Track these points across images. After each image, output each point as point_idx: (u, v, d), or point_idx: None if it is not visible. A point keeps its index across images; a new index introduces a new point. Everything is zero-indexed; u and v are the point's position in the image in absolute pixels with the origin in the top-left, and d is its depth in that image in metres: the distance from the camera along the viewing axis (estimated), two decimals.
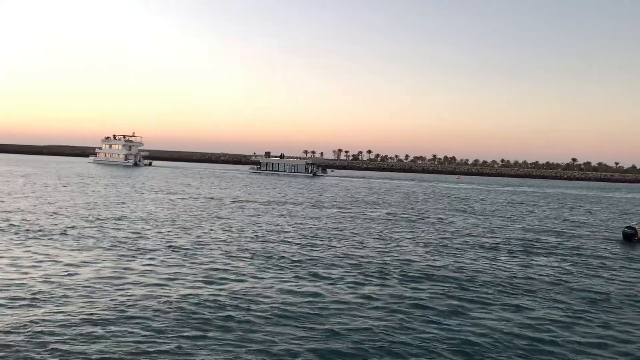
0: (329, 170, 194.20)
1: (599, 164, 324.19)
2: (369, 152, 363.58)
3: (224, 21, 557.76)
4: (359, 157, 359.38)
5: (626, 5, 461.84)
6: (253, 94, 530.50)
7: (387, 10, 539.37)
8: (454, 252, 28.60)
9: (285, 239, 30.18)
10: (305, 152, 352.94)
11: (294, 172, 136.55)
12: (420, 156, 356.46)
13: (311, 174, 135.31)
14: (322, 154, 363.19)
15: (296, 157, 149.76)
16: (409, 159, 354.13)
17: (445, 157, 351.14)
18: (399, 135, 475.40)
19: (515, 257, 27.58)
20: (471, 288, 20.43)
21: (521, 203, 72.16)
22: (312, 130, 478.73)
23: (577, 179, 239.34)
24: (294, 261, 23.56)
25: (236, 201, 54.01)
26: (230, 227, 33.93)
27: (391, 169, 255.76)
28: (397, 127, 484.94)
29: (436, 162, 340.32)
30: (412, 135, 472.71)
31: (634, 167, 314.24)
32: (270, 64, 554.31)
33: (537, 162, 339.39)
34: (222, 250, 25.32)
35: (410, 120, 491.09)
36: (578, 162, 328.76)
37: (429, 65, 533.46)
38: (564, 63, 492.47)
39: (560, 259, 27.79)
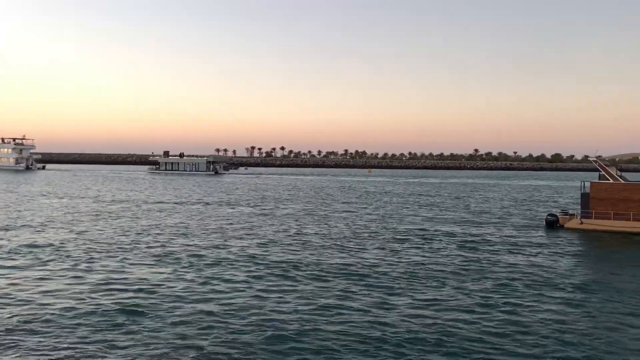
0: (242, 168, 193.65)
1: (499, 153, 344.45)
2: (282, 148, 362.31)
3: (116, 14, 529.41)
4: (273, 154, 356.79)
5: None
6: (163, 92, 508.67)
7: (286, 5, 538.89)
8: (365, 246, 27.74)
9: (192, 241, 28.02)
10: (217, 150, 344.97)
11: (195, 171, 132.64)
12: (333, 151, 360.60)
13: (213, 172, 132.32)
14: (234, 151, 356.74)
15: (197, 156, 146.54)
16: (322, 155, 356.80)
17: (357, 152, 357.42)
18: (311, 131, 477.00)
19: (442, 248, 26.28)
20: (385, 281, 19.56)
21: (421, 195, 72.49)
22: (225, 129, 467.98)
23: (480, 169, 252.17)
24: (201, 263, 22.70)
25: (139, 203, 50.13)
26: (132, 231, 31.57)
27: (304, 164, 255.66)
28: (310, 123, 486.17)
29: (348, 157, 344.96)
30: (324, 131, 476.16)
31: (530, 155, 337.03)
32: (185, 61, 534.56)
33: (442, 153, 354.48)
34: (124, 257, 23.89)
35: (322, 115, 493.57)
36: (480, 153, 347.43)
37: (336, 60, 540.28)
38: (465, 57, 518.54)
39: (487, 248, 27.08)
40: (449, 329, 14.12)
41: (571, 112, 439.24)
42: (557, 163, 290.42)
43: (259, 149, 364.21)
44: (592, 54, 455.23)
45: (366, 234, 31.89)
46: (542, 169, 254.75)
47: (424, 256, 24.80)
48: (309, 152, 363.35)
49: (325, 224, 36.59)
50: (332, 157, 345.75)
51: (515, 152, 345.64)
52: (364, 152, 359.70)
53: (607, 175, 34.97)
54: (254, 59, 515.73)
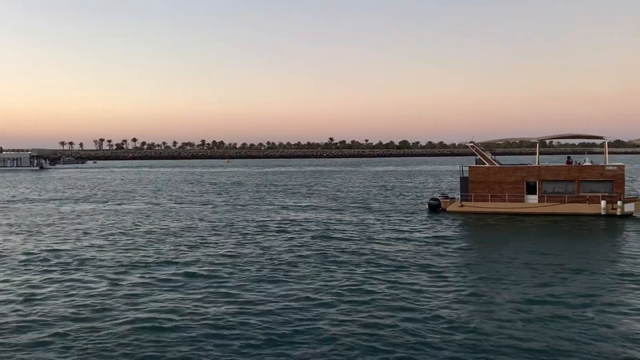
0: (89, 162, 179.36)
1: (353, 141, 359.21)
2: (134, 140, 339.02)
3: None
4: (124, 146, 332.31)
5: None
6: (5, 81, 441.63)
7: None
8: (220, 238, 25.85)
9: (25, 243, 25.24)
10: (62, 143, 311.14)
11: (17, 166, 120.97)
12: (189, 142, 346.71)
13: (38, 168, 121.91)
14: (81, 144, 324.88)
15: (19, 150, 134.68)
16: (177, 146, 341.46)
17: (214, 142, 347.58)
18: (166, 122, 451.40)
19: (318, 240, 24.57)
20: (240, 274, 18.51)
21: (278, 184, 70.69)
22: (71, 120, 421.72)
23: (335, 157, 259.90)
24: (35, 266, 20.59)
25: None
26: None
27: (159, 156, 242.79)
28: (164, 114, 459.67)
29: (205, 147, 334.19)
30: (179, 122, 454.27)
31: (380, 143, 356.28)
32: (17, 50, 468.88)
33: (299, 142, 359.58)
34: None
35: (176, 106, 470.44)
36: (335, 141, 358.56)
37: (193, 50, 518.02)
38: (311, 54, 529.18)
39: (372, 235, 26.44)
40: (307, 322, 13.39)
41: (417, 102, 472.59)
42: (404, 149, 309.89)
43: (109, 141, 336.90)
44: (439, 52, 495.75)
45: (221, 226, 30.18)
46: (391, 155, 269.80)
47: (284, 246, 23.50)
48: (164, 143, 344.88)
49: (177, 218, 33.82)
50: (189, 148, 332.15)
51: (366, 140, 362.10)
52: (222, 143, 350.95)
53: (483, 160, 35.60)
54: (106, 45, 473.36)
